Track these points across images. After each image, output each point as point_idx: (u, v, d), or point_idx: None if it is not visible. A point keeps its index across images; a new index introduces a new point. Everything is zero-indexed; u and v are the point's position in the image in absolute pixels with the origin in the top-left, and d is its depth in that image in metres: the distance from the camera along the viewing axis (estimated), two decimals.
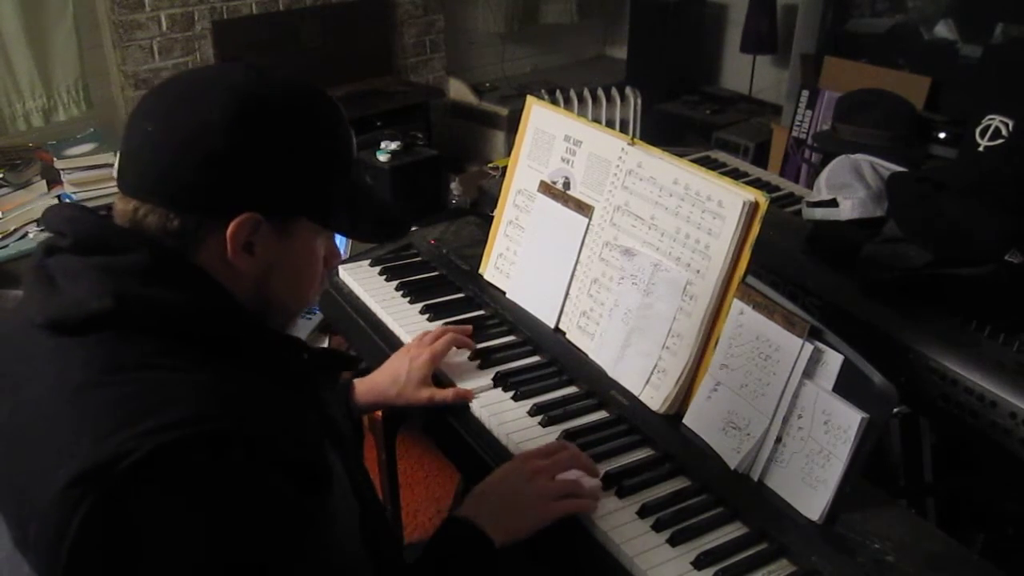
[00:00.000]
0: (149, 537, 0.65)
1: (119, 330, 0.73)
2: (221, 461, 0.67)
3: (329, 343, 1.76)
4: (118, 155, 0.81)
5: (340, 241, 2.14)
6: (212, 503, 0.66)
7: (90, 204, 2.21)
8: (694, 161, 1.20)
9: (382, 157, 2.27)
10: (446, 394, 1.21)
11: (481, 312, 1.42)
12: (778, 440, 1.04)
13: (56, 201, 2.32)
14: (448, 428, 1.21)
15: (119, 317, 0.73)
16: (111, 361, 0.71)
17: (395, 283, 1.49)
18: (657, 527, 0.98)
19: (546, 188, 1.39)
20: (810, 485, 1.00)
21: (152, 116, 0.79)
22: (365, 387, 1.25)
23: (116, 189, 0.81)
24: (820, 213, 1.53)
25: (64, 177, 2.38)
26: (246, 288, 0.81)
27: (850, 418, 0.97)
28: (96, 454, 0.65)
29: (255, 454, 0.69)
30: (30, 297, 0.77)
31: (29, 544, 0.68)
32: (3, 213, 2.33)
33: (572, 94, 4.10)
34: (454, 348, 1.27)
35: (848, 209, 1.49)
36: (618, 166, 1.28)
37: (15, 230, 2.27)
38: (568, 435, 1.13)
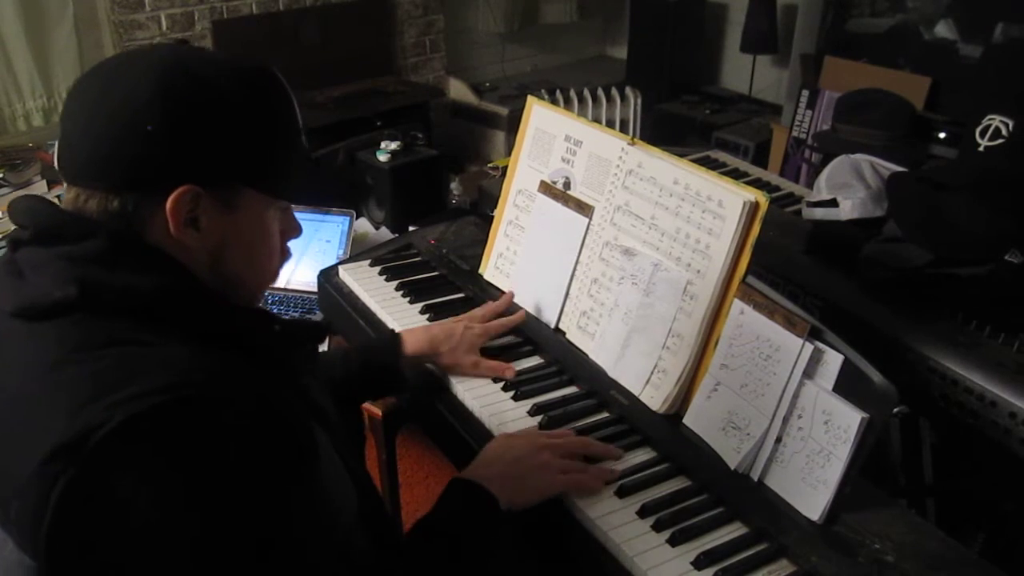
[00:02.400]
0: (128, 506, 0.65)
1: (89, 312, 0.74)
2: (196, 427, 0.67)
3: (329, 344, 1.76)
4: (55, 145, 0.82)
5: (341, 239, 2.14)
6: (188, 468, 0.66)
7: None
8: (694, 161, 1.20)
9: (382, 157, 2.26)
10: (491, 365, 1.23)
11: None
12: (778, 440, 1.04)
13: (57, 201, 2.33)
14: (448, 428, 1.21)
15: (86, 303, 0.73)
16: (83, 340, 0.72)
17: (395, 283, 1.49)
18: (657, 527, 0.98)
19: (546, 188, 1.39)
20: (810, 485, 1.00)
21: (81, 100, 0.79)
22: (416, 336, 1.24)
23: None
24: (820, 213, 1.53)
25: None
26: (201, 264, 0.81)
27: (850, 418, 0.97)
28: (71, 427, 0.65)
29: (230, 419, 0.69)
30: (1, 290, 0.78)
31: (11, 522, 0.69)
32: (3, 213, 2.34)
33: (572, 94, 4.10)
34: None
35: (848, 209, 1.49)
36: (618, 166, 1.28)
37: None
38: None
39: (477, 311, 1.32)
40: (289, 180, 0.84)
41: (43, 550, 0.66)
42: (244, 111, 0.80)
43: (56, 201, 0.84)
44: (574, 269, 1.33)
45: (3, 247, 0.87)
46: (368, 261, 1.56)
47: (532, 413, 1.18)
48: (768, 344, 1.06)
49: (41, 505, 0.65)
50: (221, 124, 0.78)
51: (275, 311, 1.97)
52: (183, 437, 0.67)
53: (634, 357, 1.21)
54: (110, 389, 0.67)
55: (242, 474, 0.69)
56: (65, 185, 0.80)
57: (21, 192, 2.45)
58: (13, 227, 0.83)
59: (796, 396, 1.02)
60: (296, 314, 2.01)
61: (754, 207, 1.10)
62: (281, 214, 0.88)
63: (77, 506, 0.65)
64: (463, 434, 1.18)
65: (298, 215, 0.92)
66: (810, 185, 1.74)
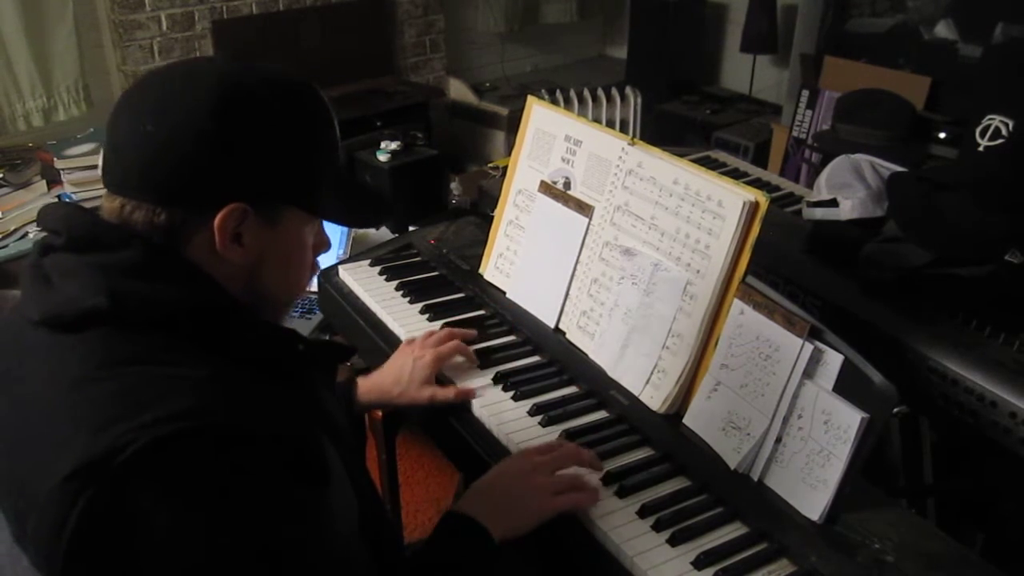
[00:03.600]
0: (147, 530, 0.65)
1: (115, 326, 0.73)
2: (218, 454, 0.68)
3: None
4: (102, 152, 0.81)
5: (341, 239, 2.14)
6: (209, 496, 0.67)
7: (90, 204, 2.21)
8: (694, 161, 1.20)
9: (382, 157, 2.27)
10: (448, 393, 1.21)
11: (481, 312, 1.42)
12: (778, 440, 1.04)
13: (56, 201, 2.33)
14: (448, 428, 1.21)
15: (114, 314, 0.73)
16: (108, 356, 0.72)
17: (395, 283, 1.49)
18: (657, 527, 0.98)
19: (546, 188, 1.39)
20: (810, 485, 1.00)
21: (134, 110, 0.79)
22: (368, 386, 1.25)
23: None
24: (820, 213, 1.53)
25: (64, 177, 2.39)
26: (237, 280, 0.81)
27: (850, 418, 0.97)
28: (93, 447, 0.65)
29: (252, 447, 0.70)
30: (27, 296, 0.78)
31: (28, 538, 0.69)
32: (3, 213, 2.34)
33: (572, 94, 4.09)
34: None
35: (848, 209, 1.49)
36: (618, 166, 1.28)
37: (15, 230, 2.27)
38: (568, 435, 1.13)
39: (432, 338, 1.27)
40: (329, 198, 0.85)
41: (59, 568, 0.66)
42: (294, 131, 0.81)
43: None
44: (574, 269, 1.33)
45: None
46: (368, 261, 1.57)
47: (532, 413, 1.18)
48: (768, 344, 1.06)
49: (60, 523, 0.65)
50: (274, 143, 0.79)
51: None
52: (205, 463, 0.67)
53: (634, 357, 1.21)
54: (134, 410, 0.67)
55: (259, 501, 0.69)
56: (106, 194, 0.80)
57: (21, 192, 2.45)
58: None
59: (796, 396, 1.02)
60: (296, 314, 2.02)
61: (754, 207, 1.10)
62: (315, 229, 0.89)
63: (97, 526, 0.65)
64: (463, 434, 1.18)
65: None
66: (810, 185, 1.73)
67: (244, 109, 0.78)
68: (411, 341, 1.28)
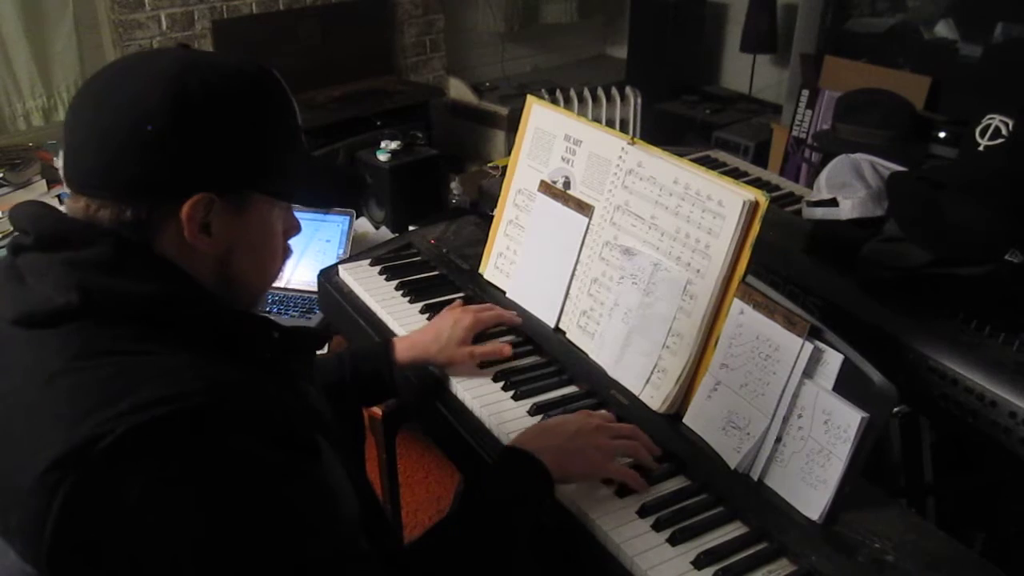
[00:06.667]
0: (131, 517, 0.65)
1: (90, 319, 0.73)
2: (199, 437, 0.67)
3: (329, 345, 1.76)
4: (62, 152, 0.80)
5: (341, 239, 2.14)
6: (191, 480, 0.66)
7: None
8: (694, 161, 1.20)
9: (382, 157, 2.26)
10: (485, 348, 1.25)
11: None
12: (778, 440, 1.04)
13: (56, 200, 2.32)
14: (448, 427, 1.21)
15: (88, 309, 0.73)
16: (85, 348, 0.72)
17: (395, 283, 1.49)
18: (657, 527, 0.98)
19: (546, 188, 1.39)
20: (810, 484, 1.00)
21: (89, 108, 0.78)
22: (406, 344, 1.26)
23: None
24: (820, 213, 1.53)
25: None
26: (208, 270, 0.81)
27: (850, 418, 0.97)
28: (73, 437, 0.65)
29: (234, 429, 0.69)
30: (1, 295, 0.77)
31: (12, 531, 0.69)
32: (3, 213, 2.34)
33: (572, 94, 4.10)
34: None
35: (848, 209, 1.49)
36: (618, 166, 1.28)
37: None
38: None
39: (474, 305, 1.32)
40: (293, 181, 0.85)
41: (45, 559, 0.66)
42: (253, 116, 0.80)
43: (55, 202, 0.84)
44: (574, 269, 1.33)
45: (5, 246, 0.86)
46: (368, 261, 1.57)
47: (532, 413, 1.18)
48: (768, 344, 1.06)
49: (42, 514, 0.65)
50: (232, 130, 0.78)
51: (275, 311, 1.97)
52: (185, 448, 0.67)
53: (634, 356, 1.21)
54: (112, 400, 0.67)
55: (244, 484, 0.69)
56: (71, 194, 0.80)
57: (21, 192, 2.45)
58: (12, 229, 0.82)
59: (796, 396, 1.02)
60: (296, 314, 2.02)
61: (754, 206, 1.10)
62: (284, 213, 0.88)
63: (78, 515, 0.65)
64: (463, 434, 1.18)
65: (298, 215, 0.93)
66: (810, 185, 1.74)
67: (198, 97, 0.77)
68: (453, 307, 1.31)
